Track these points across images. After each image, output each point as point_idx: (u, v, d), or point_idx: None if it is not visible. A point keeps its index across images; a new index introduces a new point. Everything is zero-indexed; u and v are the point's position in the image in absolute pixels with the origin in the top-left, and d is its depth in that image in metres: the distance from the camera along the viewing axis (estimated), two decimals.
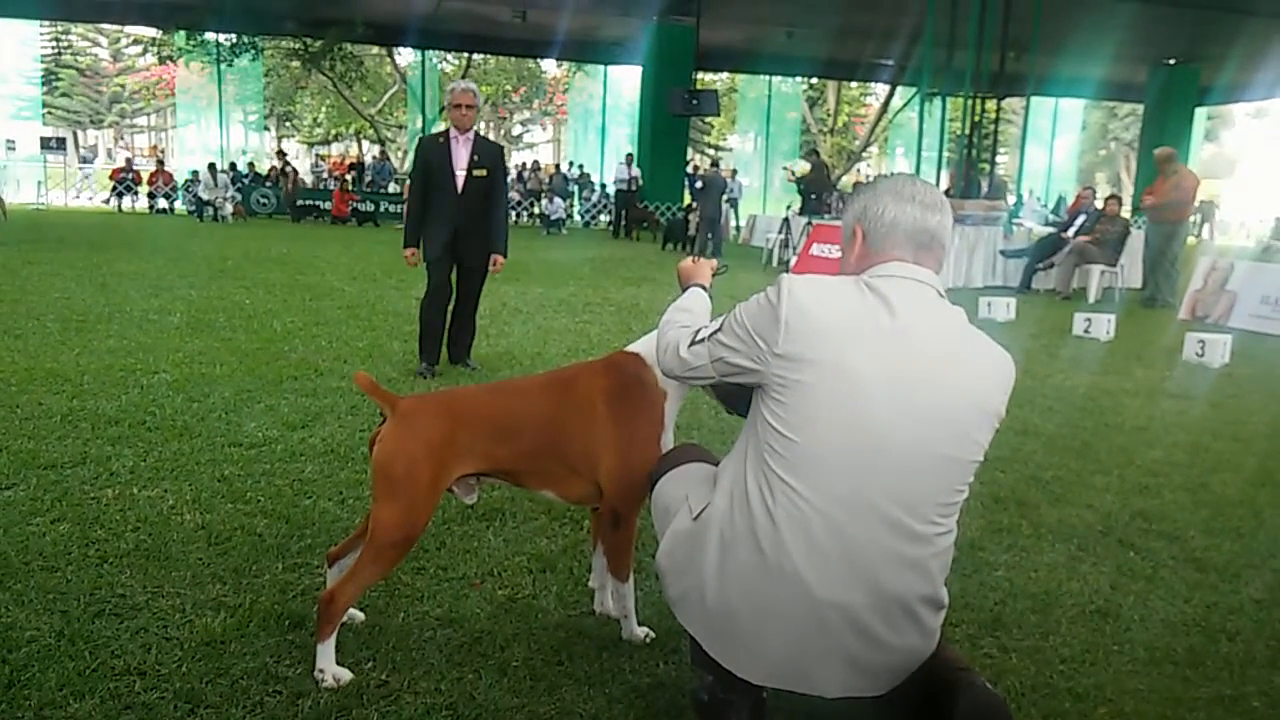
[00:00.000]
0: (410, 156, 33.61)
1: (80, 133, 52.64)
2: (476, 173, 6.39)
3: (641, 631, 2.85)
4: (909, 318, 2.08)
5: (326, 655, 2.50)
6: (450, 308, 6.73)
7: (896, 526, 2.04)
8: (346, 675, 2.51)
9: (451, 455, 2.55)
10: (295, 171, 26.76)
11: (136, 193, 26.44)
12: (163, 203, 25.77)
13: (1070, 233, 13.99)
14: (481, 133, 6.71)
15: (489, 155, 6.51)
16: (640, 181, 23.98)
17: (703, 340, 2.28)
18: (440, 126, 33.94)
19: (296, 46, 28.83)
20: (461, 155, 6.39)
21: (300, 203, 25.16)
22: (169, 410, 5.15)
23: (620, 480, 2.68)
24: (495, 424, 2.64)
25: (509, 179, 6.43)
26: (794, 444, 2.05)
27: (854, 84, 44.67)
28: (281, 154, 27.75)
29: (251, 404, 5.38)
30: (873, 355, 2.04)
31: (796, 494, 2.05)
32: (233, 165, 26.89)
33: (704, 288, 2.66)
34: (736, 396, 2.44)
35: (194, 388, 5.67)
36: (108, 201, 26.58)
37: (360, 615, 2.86)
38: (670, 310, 2.54)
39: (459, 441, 2.57)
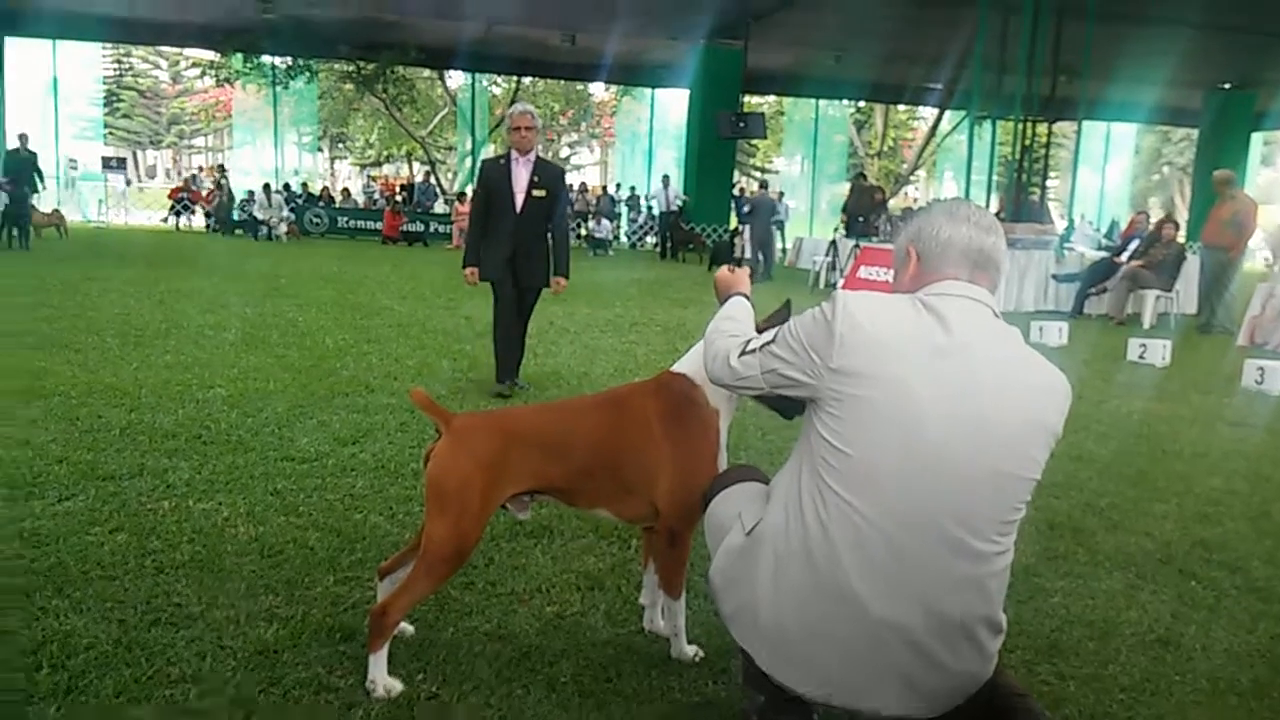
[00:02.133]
0: (460, 178, 33.84)
1: (140, 153, 53.93)
2: (536, 193, 6.40)
3: (691, 650, 2.83)
4: (965, 334, 2.07)
5: (379, 666, 2.51)
6: None
7: (955, 544, 2.02)
8: (398, 686, 2.52)
9: (504, 473, 2.56)
10: (228, 184, 26.52)
11: (194, 212, 26.98)
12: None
13: (1124, 257, 13.79)
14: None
15: (549, 176, 6.52)
16: (680, 202, 24.06)
17: (754, 350, 2.28)
18: (489, 149, 34.15)
19: (350, 70, 29.31)
20: (521, 176, 6.40)
21: (240, 217, 24.99)
22: (224, 424, 5.23)
23: (678, 500, 2.67)
24: (548, 443, 2.64)
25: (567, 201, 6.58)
26: (849, 458, 2.04)
27: (902, 107, 44.43)
28: (221, 168, 27.50)
29: (304, 419, 5.44)
30: (928, 370, 2.04)
31: (852, 509, 2.04)
32: (286, 186, 27.34)
33: (745, 296, 2.67)
34: (788, 403, 2.43)
35: (248, 403, 5.75)
36: (165, 220, 27.16)
37: (410, 629, 2.87)
38: (716, 319, 2.53)
39: (512, 460, 2.57)
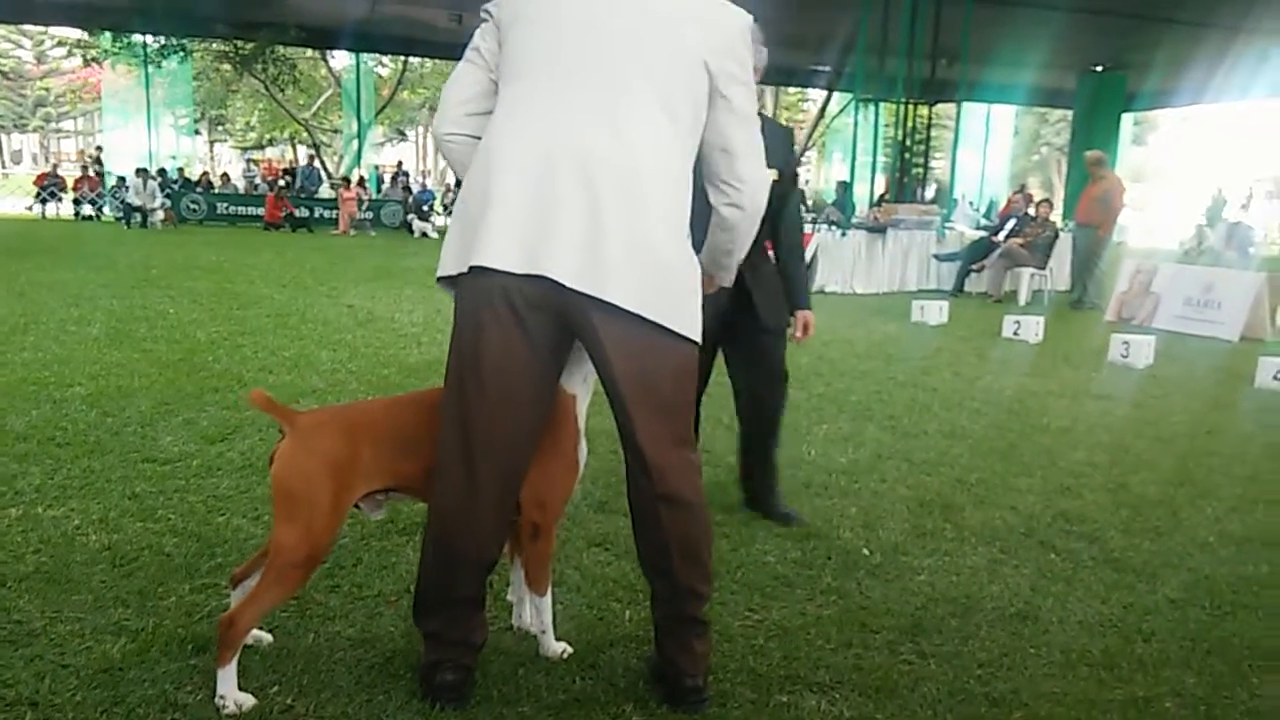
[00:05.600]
0: (346, 161, 32.86)
1: (4, 137, 51.21)
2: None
3: (559, 647, 2.80)
4: None
5: (227, 680, 2.41)
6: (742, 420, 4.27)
7: (609, 102, 2.31)
8: (249, 701, 2.42)
9: (354, 473, 2.47)
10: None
11: (61, 199, 25.75)
12: (89, 209, 25.10)
13: (1001, 236, 14.22)
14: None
15: (777, 149, 3.52)
16: None
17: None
18: (377, 132, 33.02)
19: (227, 49, 28.27)
20: None
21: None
22: (81, 425, 4.98)
23: (537, 492, 2.63)
24: (399, 439, 2.56)
25: None
26: (512, 62, 2.39)
27: (792, 89, 44.96)
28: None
29: (169, 417, 5.22)
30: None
31: (514, 96, 2.37)
32: (161, 171, 26.27)
33: None
34: None
35: (109, 401, 5.49)
36: (30, 208, 25.85)
37: (268, 637, 2.77)
38: None
39: (361, 458, 2.49)
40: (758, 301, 3.87)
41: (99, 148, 28.57)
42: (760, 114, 3.87)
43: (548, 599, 2.78)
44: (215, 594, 3.07)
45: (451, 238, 2.43)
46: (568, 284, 2.25)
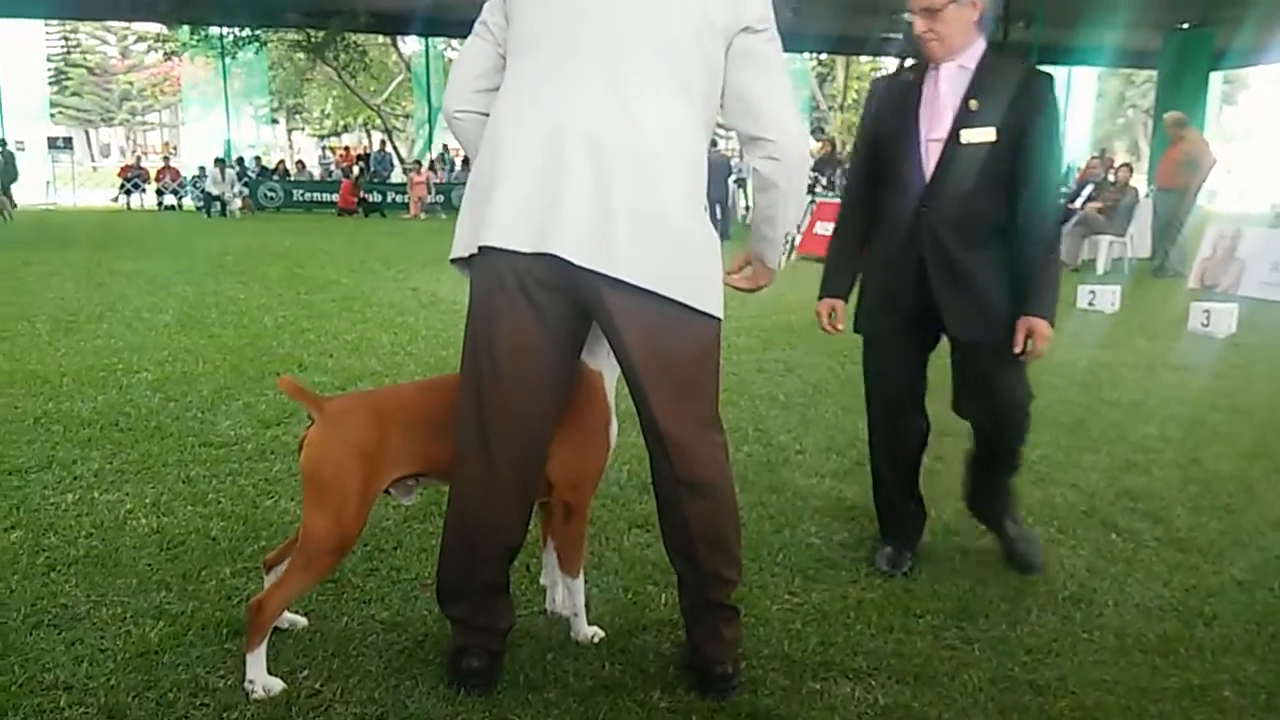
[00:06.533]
0: (418, 145, 33.20)
1: (92, 131, 52.87)
2: (970, 137, 2.96)
3: (590, 631, 2.76)
4: None
5: (257, 665, 2.42)
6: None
7: (616, 74, 2.23)
8: (278, 685, 2.43)
9: (384, 459, 2.46)
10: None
11: (145, 190, 26.52)
12: (170, 199, 25.81)
13: (1077, 203, 13.77)
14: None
15: (1004, 99, 2.95)
16: None
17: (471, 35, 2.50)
18: None
19: (300, 38, 28.76)
20: (943, 104, 3.01)
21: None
22: (144, 410, 5.10)
23: (570, 472, 2.60)
24: (429, 423, 2.54)
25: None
26: (519, 36, 2.34)
27: (863, 59, 44.12)
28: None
29: (229, 401, 5.32)
30: None
31: (520, 70, 2.33)
32: (240, 160, 26.85)
33: None
34: None
35: (173, 387, 5.61)
36: (115, 200, 26.66)
37: (302, 620, 2.79)
38: None
39: (391, 444, 2.47)
40: (943, 303, 3.04)
41: (228, 140, 29.16)
42: (988, 56, 3.00)
43: (580, 581, 2.74)
44: (255, 578, 3.10)
45: (463, 218, 2.39)
46: (576, 262, 2.19)
